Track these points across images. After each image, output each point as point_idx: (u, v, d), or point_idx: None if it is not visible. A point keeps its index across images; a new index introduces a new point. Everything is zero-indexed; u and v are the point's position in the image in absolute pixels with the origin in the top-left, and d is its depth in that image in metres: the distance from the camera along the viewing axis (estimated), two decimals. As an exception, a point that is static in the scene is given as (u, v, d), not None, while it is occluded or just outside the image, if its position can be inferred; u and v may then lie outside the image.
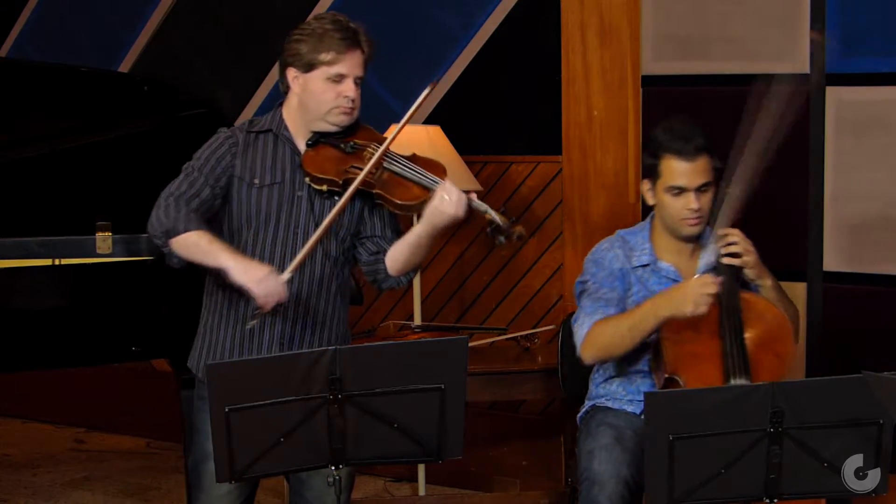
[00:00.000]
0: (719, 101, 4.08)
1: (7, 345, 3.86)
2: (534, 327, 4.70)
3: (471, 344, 3.76)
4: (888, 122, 4.23)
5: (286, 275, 3.15)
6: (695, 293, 3.29)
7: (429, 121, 4.96)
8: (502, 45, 4.95)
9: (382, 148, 3.23)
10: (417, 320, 4.80)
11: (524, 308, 4.99)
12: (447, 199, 3.16)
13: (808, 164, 4.35)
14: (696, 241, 3.54)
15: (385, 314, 5.16)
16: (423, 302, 4.89)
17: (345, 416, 2.85)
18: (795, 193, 4.37)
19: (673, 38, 4.56)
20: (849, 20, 4.25)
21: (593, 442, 3.46)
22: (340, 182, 3.23)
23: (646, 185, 3.53)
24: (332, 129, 3.28)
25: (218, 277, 3.25)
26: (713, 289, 3.29)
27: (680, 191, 3.44)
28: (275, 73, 4.94)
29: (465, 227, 3.23)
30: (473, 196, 3.21)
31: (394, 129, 3.25)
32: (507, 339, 4.57)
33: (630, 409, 3.54)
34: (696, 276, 3.37)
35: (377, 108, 4.78)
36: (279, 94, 3.35)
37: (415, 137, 4.46)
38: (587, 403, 3.66)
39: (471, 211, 3.19)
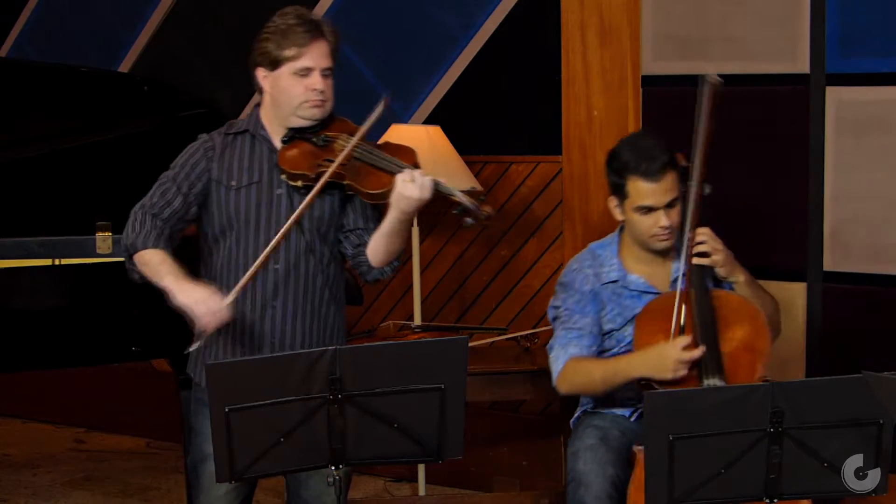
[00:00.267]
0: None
1: (7, 345, 3.86)
2: (534, 327, 4.69)
3: (471, 344, 3.76)
4: (888, 122, 4.23)
5: (230, 297, 3.12)
6: (673, 361, 3.28)
7: (429, 121, 4.96)
8: (502, 45, 4.94)
9: (354, 140, 3.21)
10: (417, 320, 4.79)
11: (524, 308, 4.98)
12: (410, 184, 3.15)
13: (808, 164, 4.34)
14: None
15: (385, 314, 5.15)
16: (423, 302, 4.88)
17: (345, 416, 2.86)
18: (795, 193, 4.37)
19: (673, 38, 4.55)
20: (848, 20, 4.24)
21: (578, 443, 3.46)
22: (313, 176, 3.21)
23: (613, 202, 3.51)
24: (306, 123, 3.27)
25: (212, 280, 3.25)
26: (692, 355, 3.28)
27: (649, 210, 3.43)
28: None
29: (431, 207, 3.22)
30: (442, 180, 3.21)
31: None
32: (507, 339, 4.56)
33: (619, 411, 3.55)
34: (672, 340, 3.31)
35: (377, 107, 4.77)
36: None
37: (415, 137, 4.45)
38: (578, 409, 3.67)
39: (437, 193, 3.18)
